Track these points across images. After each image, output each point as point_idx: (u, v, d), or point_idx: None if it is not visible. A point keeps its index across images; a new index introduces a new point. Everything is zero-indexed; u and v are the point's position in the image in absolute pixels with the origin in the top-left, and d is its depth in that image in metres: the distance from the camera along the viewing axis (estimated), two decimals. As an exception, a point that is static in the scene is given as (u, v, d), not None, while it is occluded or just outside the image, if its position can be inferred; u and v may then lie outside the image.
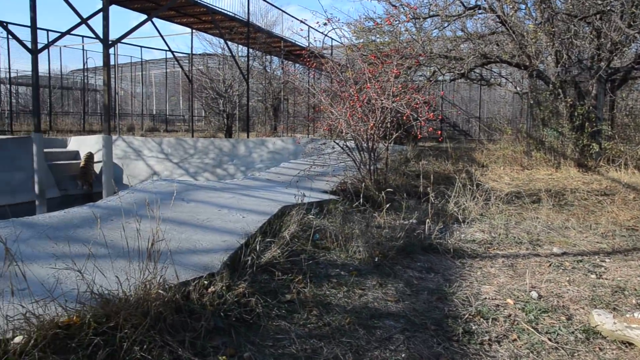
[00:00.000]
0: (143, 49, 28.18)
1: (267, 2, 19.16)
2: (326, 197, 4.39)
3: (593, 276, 3.02)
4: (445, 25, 10.01)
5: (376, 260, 2.99)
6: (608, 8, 8.55)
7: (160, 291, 1.93)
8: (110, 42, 10.70)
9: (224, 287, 2.22)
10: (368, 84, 5.11)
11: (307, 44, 13.44)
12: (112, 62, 15.37)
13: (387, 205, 3.91)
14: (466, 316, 2.36)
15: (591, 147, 8.04)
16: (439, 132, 10.31)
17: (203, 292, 2.14)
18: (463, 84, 17.33)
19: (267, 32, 16.86)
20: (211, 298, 2.11)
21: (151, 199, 3.66)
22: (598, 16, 8.80)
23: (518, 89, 12.41)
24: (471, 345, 2.09)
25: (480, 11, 9.51)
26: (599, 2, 8.57)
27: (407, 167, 7.02)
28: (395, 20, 9.92)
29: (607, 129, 8.77)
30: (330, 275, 2.74)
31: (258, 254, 2.66)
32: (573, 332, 2.23)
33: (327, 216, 3.80)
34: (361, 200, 4.10)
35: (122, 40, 12.66)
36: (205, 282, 2.22)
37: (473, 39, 9.70)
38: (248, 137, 14.58)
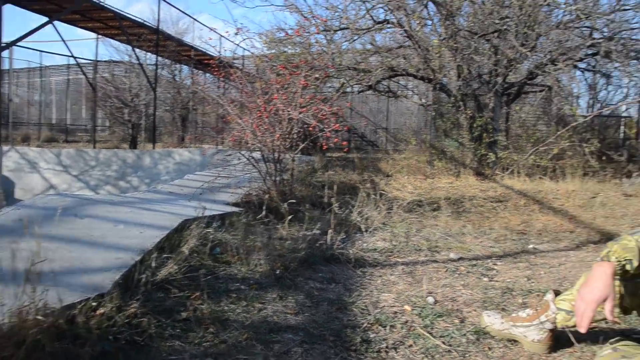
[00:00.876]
0: (43, 53, 26.57)
1: (179, 10, 18.78)
2: (229, 209, 4.32)
3: (485, 279, 3.17)
4: (355, 38, 10.24)
5: (277, 272, 2.97)
6: (504, 27, 9.13)
7: (39, 317, 1.79)
8: (3, 45, 10.01)
9: (114, 308, 2.10)
10: (275, 95, 5.11)
11: (218, 53, 13.29)
12: (5, 67, 14.37)
13: (292, 217, 3.91)
14: (365, 325, 2.38)
15: (488, 156, 8.50)
16: (345, 142, 10.48)
17: (90, 315, 2.01)
18: (371, 96, 17.81)
19: (177, 40, 16.51)
20: (99, 321, 1.99)
21: (40, 214, 3.43)
22: (496, 34, 9.37)
23: (423, 101, 12.93)
24: (369, 354, 2.11)
25: (389, 26, 9.83)
26: (497, 21, 9.14)
27: (314, 177, 7.08)
28: (306, 32, 10.03)
29: (503, 139, 9.32)
30: (229, 290, 2.68)
31: (153, 271, 2.55)
32: (465, 334, 2.32)
33: (229, 229, 3.74)
34: (264, 212, 4.07)
35: (19, 43, 11.87)
36: (94, 304, 2.09)
37: (381, 52, 10.00)
38: (154, 148, 14.14)
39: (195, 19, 30.81)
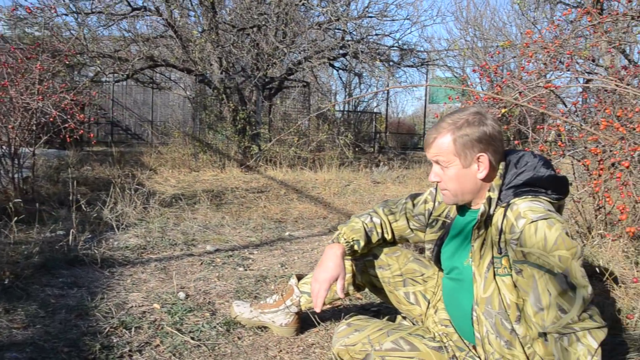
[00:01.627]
0: None
1: None
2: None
3: (241, 269, 3.19)
4: (111, 23, 9.56)
5: (6, 282, 2.57)
6: (263, 23, 9.43)
7: None
8: None
9: None
10: (6, 81, 4.46)
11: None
12: None
13: (35, 218, 3.45)
14: (107, 330, 2.18)
15: (252, 148, 8.72)
16: (91, 134, 9.76)
17: None
18: (137, 87, 16.92)
19: None
20: None
21: None
22: (256, 29, 9.62)
23: (188, 93, 12.71)
24: (109, 361, 1.94)
25: (148, 13, 9.37)
26: (256, 16, 9.38)
27: (67, 174, 6.42)
28: (52, 11, 8.99)
29: (266, 131, 9.67)
30: None
31: None
32: (215, 327, 2.28)
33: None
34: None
35: None
36: None
37: (139, 41, 9.50)
38: None
39: None
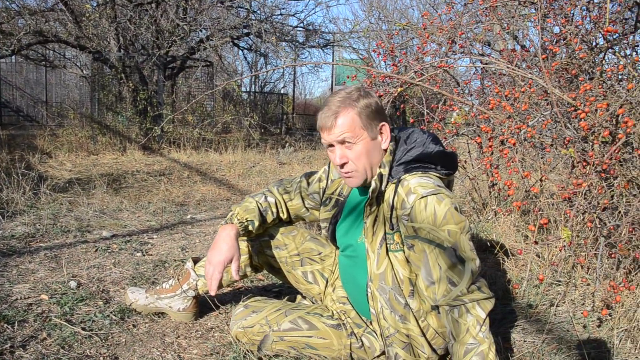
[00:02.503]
0: None
1: None
2: None
3: (139, 254, 3.08)
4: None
5: None
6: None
7: None
8: None
9: None
10: None
11: None
12: None
13: None
14: (-17, 326, 2.03)
15: (154, 130, 8.41)
16: None
17: None
18: (29, 65, 15.72)
19: None
20: None
21: None
22: (154, 5, 9.21)
23: (85, 72, 12.00)
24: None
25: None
26: (156, -9, 8.98)
27: None
28: None
29: (169, 112, 9.34)
30: None
31: None
32: (108, 316, 2.19)
33: None
34: None
35: None
36: None
37: (25, 14, 8.80)
38: None
39: None
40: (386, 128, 1.69)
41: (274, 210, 2.02)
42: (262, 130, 12.51)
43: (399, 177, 1.66)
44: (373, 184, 1.65)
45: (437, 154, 1.69)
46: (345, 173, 1.69)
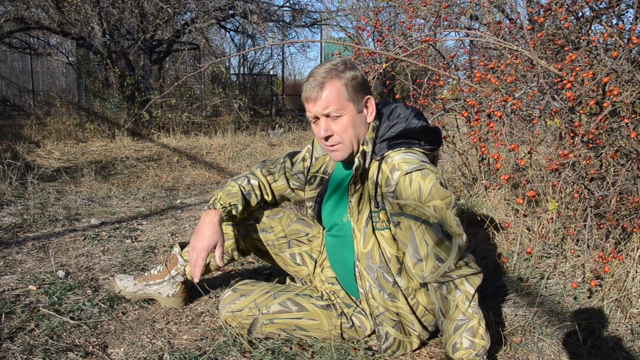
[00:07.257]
0: None
1: None
2: None
3: (128, 241, 3.05)
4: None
5: None
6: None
7: None
8: None
9: None
10: None
11: None
12: None
13: None
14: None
15: (142, 116, 8.33)
16: None
17: None
18: (15, 54, 15.50)
19: None
20: None
21: None
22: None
23: (71, 59, 11.82)
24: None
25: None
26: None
27: None
28: None
29: (156, 97, 9.23)
30: None
31: None
32: (97, 304, 2.17)
33: None
34: None
35: None
36: None
37: (4, 1, 8.63)
38: None
39: None
40: (372, 102, 1.67)
41: (258, 192, 1.99)
42: (252, 113, 12.40)
43: (383, 153, 1.64)
44: (356, 162, 1.63)
45: (421, 129, 1.66)
46: (331, 146, 1.66)
